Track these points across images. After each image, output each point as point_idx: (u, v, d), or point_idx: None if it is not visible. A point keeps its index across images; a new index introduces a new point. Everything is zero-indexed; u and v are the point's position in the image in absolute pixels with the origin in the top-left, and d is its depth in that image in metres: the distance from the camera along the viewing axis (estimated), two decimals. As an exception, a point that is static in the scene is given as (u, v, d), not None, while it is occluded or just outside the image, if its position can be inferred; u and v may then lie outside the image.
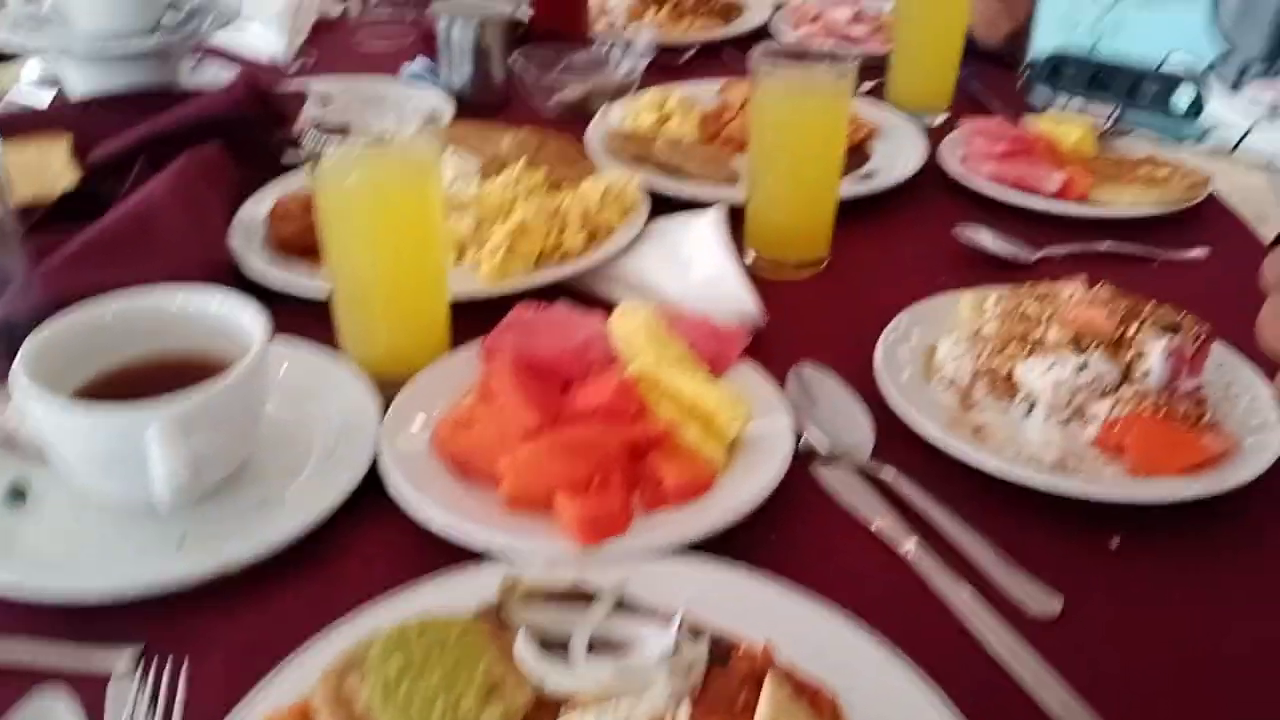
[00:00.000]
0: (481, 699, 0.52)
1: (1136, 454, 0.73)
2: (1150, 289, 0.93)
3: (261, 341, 0.69)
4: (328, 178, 0.76)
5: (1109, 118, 0.44)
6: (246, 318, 0.71)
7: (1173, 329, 0.77)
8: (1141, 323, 0.78)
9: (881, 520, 0.71)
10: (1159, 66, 0.42)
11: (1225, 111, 0.41)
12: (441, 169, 0.79)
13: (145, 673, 0.59)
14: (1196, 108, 0.41)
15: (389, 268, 0.79)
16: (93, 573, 0.64)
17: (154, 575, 0.63)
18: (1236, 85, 0.40)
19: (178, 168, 0.97)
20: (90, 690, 0.58)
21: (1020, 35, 1.26)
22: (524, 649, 0.54)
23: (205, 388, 0.65)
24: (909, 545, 0.69)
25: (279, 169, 1.12)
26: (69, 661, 0.60)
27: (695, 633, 0.59)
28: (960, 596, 0.65)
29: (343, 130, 1.17)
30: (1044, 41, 0.44)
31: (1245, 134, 0.41)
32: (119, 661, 0.60)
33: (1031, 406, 0.78)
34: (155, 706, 0.57)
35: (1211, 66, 0.41)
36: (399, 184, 0.77)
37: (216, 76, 1.40)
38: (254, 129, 1.11)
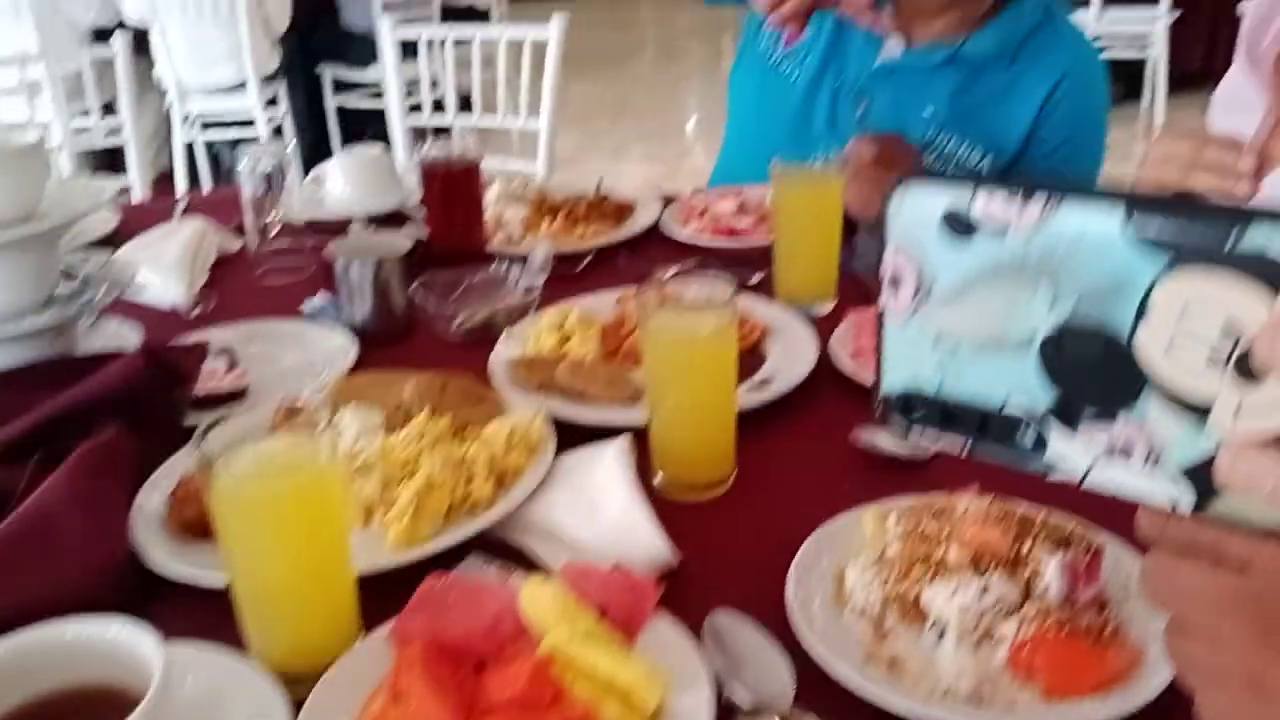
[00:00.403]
0: None
1: (1048, 677, 0.74)
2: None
3: (160, 679, 0.67)
4: (219, 482, 0.76)
5: (961, 449, 0.46)
6: (146, 647, 0.70)
7: (1064, 543, 0.80)
8: (1034, 538, 0.81)
9: (808, 778, 0.71)
10: (1000, 408, 0.45)
11: (1066, 450, 0.44)
12: (338, 456, 0.80)
13: None
14: (1040, 445, 0.44)
15: (288, 569, 0.78)
16: None
17: None
18: (1074, 427, 0.43)
19: (74, 464, 0.96)
20: None
21: None
22: None
23: (103, 738, 0.63)
24: (837, 807, 0.68)
25: (181, 435, 1.11)
26: None
27: None
28: None
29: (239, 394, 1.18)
30: (894, 377, 0.46)
31: (1088, 471, 0.44)
32: None
33: (942, 633, 0.79)
34: None
35: (1050, 410, 0.44)
36: (295, 488, 0.77)
37: (117, 333, 1.40)
38: (154, 400, 1.11)
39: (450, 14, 4.96)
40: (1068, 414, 0.44)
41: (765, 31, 1.72)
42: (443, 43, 2.92)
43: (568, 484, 1.00)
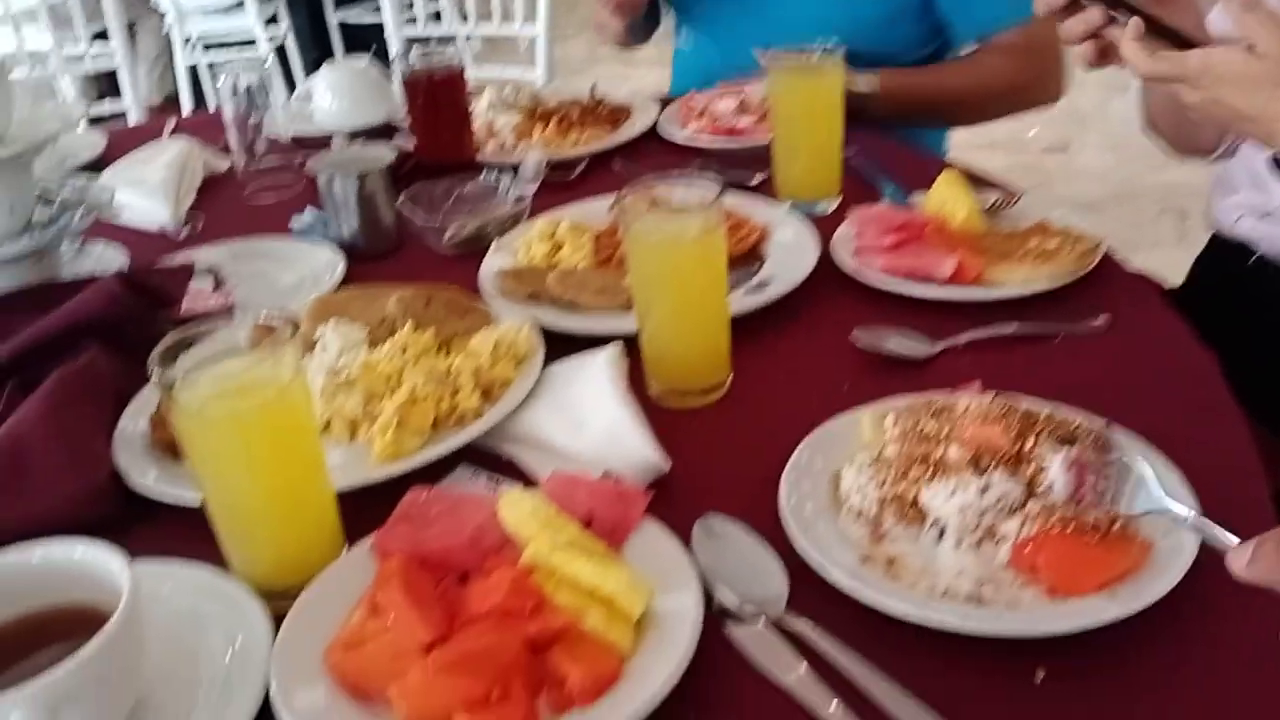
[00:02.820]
0: None
1: (1051, 575, 0.71)
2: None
3: (129, 598, 0.65)
4: (181, 403, 0.73)
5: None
6: (113, 566, 0.68)
7: (1069, 440, 0.76)
8: (1038, 434, 0.77)
9: (800, 682, 0.68)
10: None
11: None
12: (303, 372, 0.77)
13: None
14: None
15: (258, 487, 0.76)
16: None
17: None
18: None
19: (49, 389, 0.93)
20: None
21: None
22: None
23: (68, 662, 0.61)
24: (830, 708, 0.66)
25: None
26: None
27: None
28: (886, 765, 0.62)
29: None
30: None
31: None
32: None
33: (941, 532, 0.76)
34: None
35: None
36: (257, 406, 0.74)
37: (103, 256, 1.37)
38: (135, 323, 1.08)
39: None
40: None
41: None
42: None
43: (557, 394, 0.97)
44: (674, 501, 0.84)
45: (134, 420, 0.98)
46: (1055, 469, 0.74)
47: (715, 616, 0.73)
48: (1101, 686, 0.67)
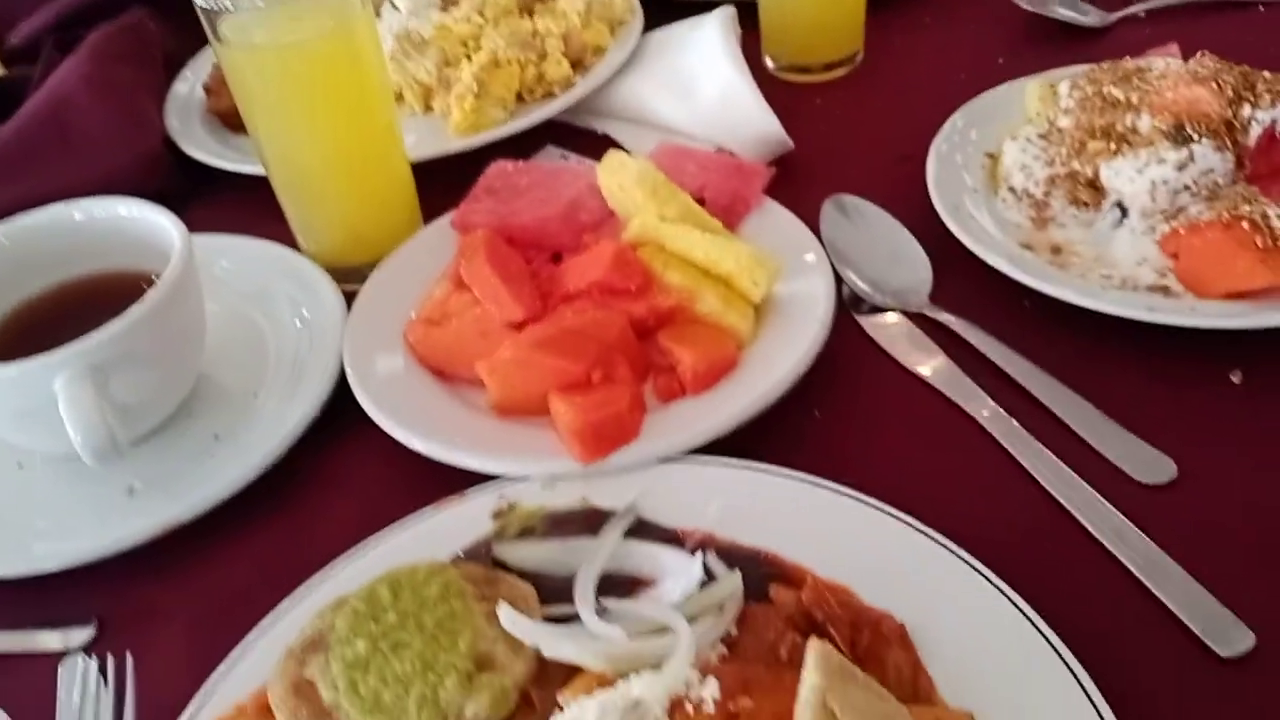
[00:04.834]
0: (465, 682, 0.42)
1: (1189, 265, 0.59)
2: (1260, 49, 0.76)
3: (181, 256, 0.57)
4: (235, 47, 0.62)
5: None
6: (163, 222, 0.60)
7: (1302, 99, 0.61)
8: (1257, 98, 0.62)
9: (948, 380, 0.59)
10: None
11: None
12: (368, 10, 0.64)
13: (95, 652, 0.51)
14: None
15: (326, 144, 0.66)
16: (37, 542, 0.55)
17: (102, 540, 0.54)
18: None
19: (90, 47, 0.83)
20: (41, 669, 0.50)
21: None
22: (513, 618, 0.44)
23: (114, 324, 0.54)
24: (985, 409, 0.57)
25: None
26: (14, 644, 0.52)
27: (727, 558, 0.49)
28: (1051, 467, 0.53)
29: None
30: None
31: None
32: (69, 641, 0.52)
33: (1123, 215, 0.63)
34: (106, 692, 0.49)
35: None
36: (319, 41, 0.62)
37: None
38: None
39: None
40: None
41: None
42: None
43: (660, 62, 0.83)
44: (798, 183, 0.72)
45: (189, 86, 0.88)
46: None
47: (847, 308, 0.63)
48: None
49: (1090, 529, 0.50)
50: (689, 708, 0.39)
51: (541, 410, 0.56)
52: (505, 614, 0.44)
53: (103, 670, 0.49)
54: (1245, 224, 0.57)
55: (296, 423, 0.58)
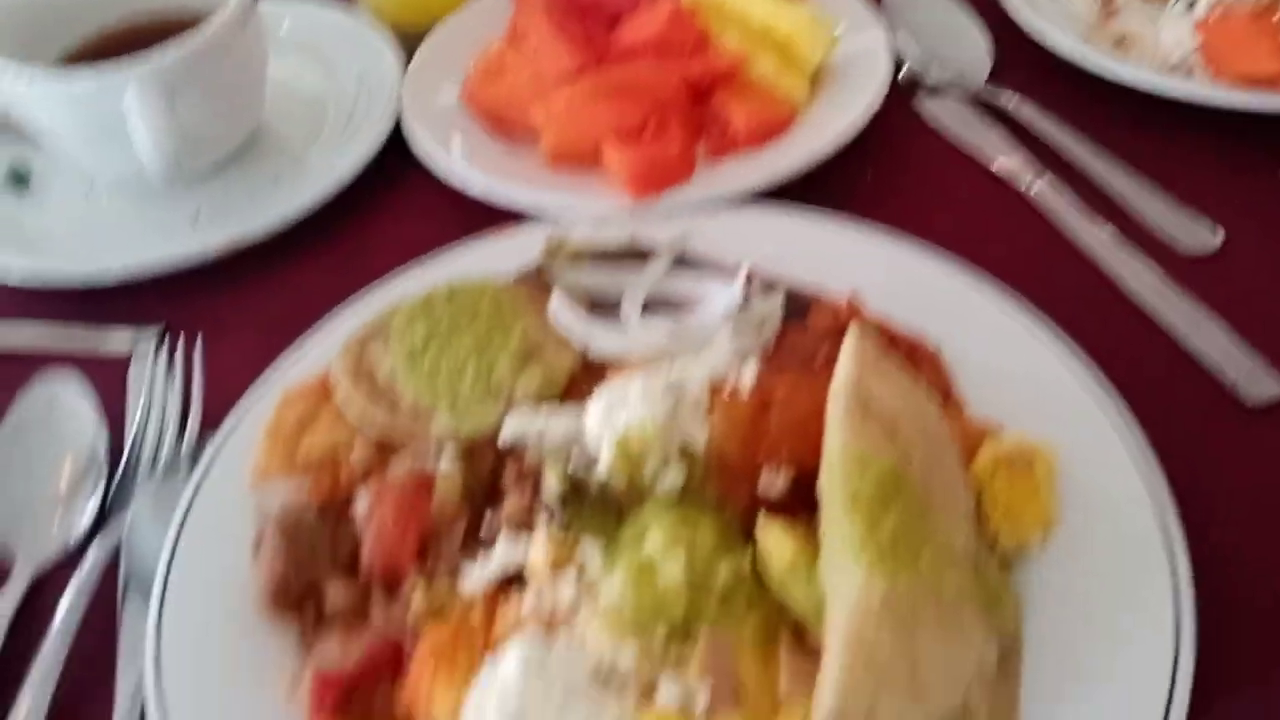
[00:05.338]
0: (518, 364, 0.44)
1: (1213, 52, 0.58)
2: None
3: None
4: None
5: None
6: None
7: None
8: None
9: (1002, 156, 0.59)
10: None
11: None
12: None
13: (164, 351, 0.53)
14: None
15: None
16: (106, 253, 0.58)
17: (169, 252, 0.57)
18: None
19: None
20: (108, 372, 0.53)
21: None
22: (562, 309, 0.45)
23: (182, 43, 0.55)
24: (1036, 183, 0.57)
25: None
26: (86, 344, 0.55)
27: (769, 287, 0.50)
28: (1098, 236, 0.54)
29: None
30: None
31: None
32: (138, 342, 0.54)
33: (1191, 5, 0.62)
34: (174, 383, 0.52)
35: None
36: None
37: None
38: None
39: None
40: None
41: None
42: None
43: None
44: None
45: None
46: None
47: (903, 83, 0.63)
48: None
49: (1133, 289, 0.51)
50: (726, 393, 0.40)
51: (594, 160, 0.57)
52: (557, 302, 0.45)
53: (170, 363, 0.52)
54: (1277, 17, 0.59)
55: (352, 164, 0.60)
